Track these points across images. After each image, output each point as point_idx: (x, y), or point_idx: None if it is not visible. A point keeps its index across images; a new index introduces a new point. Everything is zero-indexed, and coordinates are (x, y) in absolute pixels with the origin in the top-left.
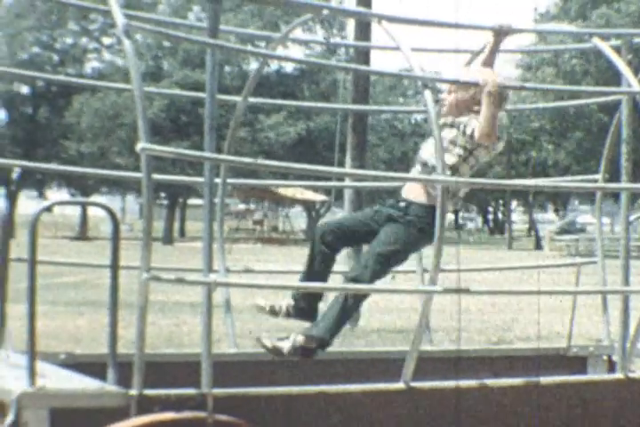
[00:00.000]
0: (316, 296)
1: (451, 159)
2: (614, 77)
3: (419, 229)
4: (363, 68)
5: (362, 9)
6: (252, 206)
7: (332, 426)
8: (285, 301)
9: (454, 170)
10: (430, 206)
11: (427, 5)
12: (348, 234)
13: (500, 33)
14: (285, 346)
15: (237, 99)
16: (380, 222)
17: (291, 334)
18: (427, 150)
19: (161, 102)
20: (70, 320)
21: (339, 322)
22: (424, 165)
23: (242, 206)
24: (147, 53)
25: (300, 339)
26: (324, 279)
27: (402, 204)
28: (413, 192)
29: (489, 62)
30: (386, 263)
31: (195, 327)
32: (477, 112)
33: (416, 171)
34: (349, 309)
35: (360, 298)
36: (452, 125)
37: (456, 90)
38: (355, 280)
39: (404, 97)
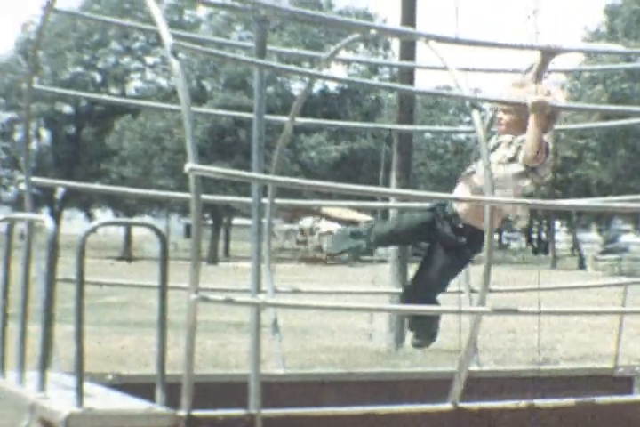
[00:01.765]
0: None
1: (513, 170)
2: None
3: (468, 252)
4: (408, 87)
5: (408, 29)
6: (297, 226)
7: None
8: None
9: (516, 179)
10: (479, 230)
11: (472, 23)
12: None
13: (549, 52)
14: None
15: (284, 119)
16: (435, 235)
17: None
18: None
19: (204, 125)
20: (115, 341)
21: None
22: (477, 188)
23: (286, 226)
24: (191, 74)
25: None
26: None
27: (459, 225)
28: (471, 215)
29: (536, 82)
30: (437, 287)
31: (240, 347)
32: None
33: (468, 192)
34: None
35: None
36: (510, 143)
37: (510, 110)
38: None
39: (445, 115)
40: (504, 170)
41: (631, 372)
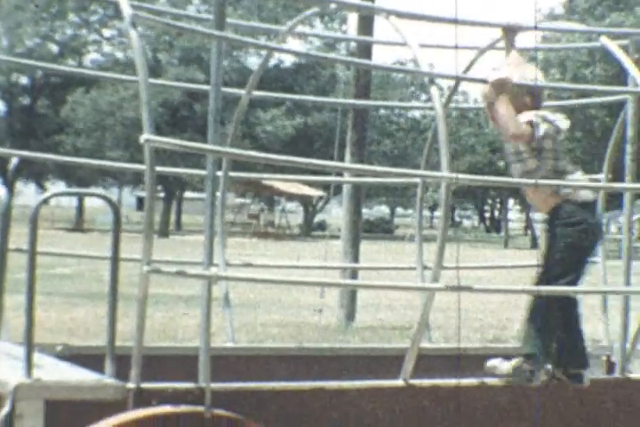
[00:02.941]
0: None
1: (530, 164)
2: (621, 84)
3: (572, 225)
4: (368, 62)
5: (369, 3)
6: (249, 200)
7: (330, 423)
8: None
9: (540, 166)
10: (564, 203)
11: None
12: None
13: (509, 30)
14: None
15: (241, 92)
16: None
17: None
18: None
19: (157, 100)
20: (66, 312)
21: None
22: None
23: (238, 200)
24: (147, 46)
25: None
26: None
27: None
28: (541, 205)
29: (512, 61)
30: (568, 268)
31: (189, 321)
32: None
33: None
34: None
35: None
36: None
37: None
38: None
39: (398, 92)
40: (520, 168)
41: None
